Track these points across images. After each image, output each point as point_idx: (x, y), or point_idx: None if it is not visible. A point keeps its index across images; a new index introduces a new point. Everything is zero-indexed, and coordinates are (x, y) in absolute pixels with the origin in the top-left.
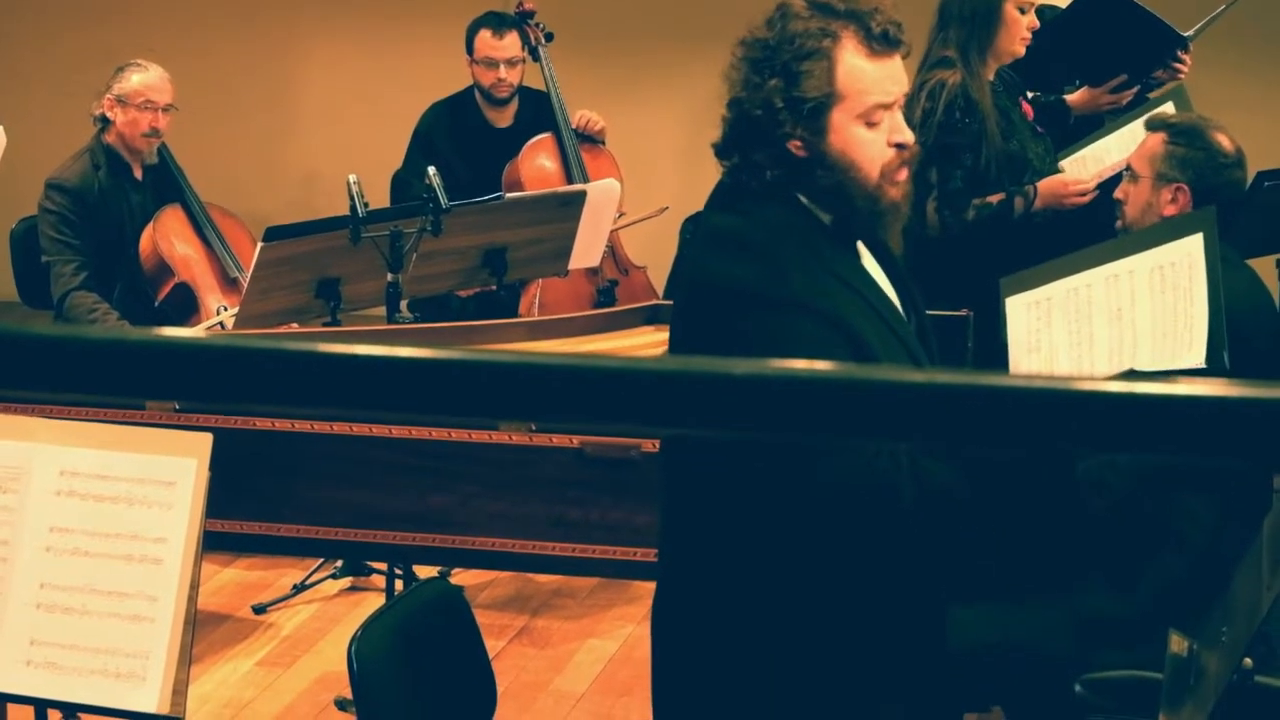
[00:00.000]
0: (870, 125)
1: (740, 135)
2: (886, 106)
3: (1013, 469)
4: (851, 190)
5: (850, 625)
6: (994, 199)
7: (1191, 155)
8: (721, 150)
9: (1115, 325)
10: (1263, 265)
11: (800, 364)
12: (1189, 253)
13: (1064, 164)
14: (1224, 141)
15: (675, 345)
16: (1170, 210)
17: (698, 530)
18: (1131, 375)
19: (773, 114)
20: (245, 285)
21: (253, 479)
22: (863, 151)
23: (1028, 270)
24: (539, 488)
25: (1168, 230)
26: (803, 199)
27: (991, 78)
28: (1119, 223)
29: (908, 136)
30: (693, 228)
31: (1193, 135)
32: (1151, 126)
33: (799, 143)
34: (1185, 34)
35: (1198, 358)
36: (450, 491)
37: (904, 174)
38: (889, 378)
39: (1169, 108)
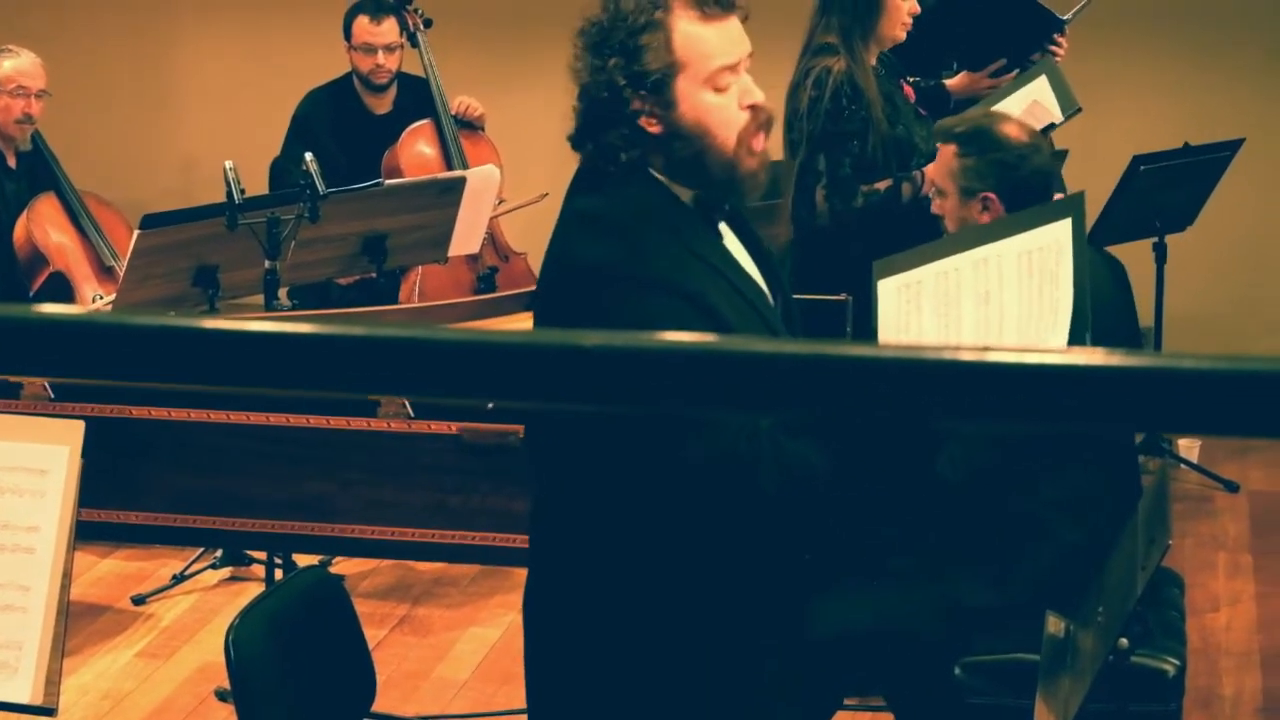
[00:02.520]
0: (718, 90)
1: (591, 121)
2: (731, 68)
3: (875, 451)
4: (709, 159)
5: (714, 607)
6: (882, 185)
7: (984, 163)
8: (576, 140)
9: (983, 308)
10: (1140, 249)
11: (651, 335)
12: (1057, 238)
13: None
14: (1013, 133)
15: (539, 326)
16: (985, 219)
17: (564, 516)
18: None
19: (618, 93)
20: (121, 274)
21: (129, 468)
22: (715, 117)
23: (900, 253)
24: (418, 475)
25: (1037, 216)
26: (661, 178)
27: (874, 62)
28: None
29: (759, 96)
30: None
31: (981, 140)
32: (939, 138)
33: (650, 119)
34: (1063, 17)
35: (1060, 340)
36: (329, 479)
37: (761, 140)
38: (737, 348)
39: (1043, 82)
